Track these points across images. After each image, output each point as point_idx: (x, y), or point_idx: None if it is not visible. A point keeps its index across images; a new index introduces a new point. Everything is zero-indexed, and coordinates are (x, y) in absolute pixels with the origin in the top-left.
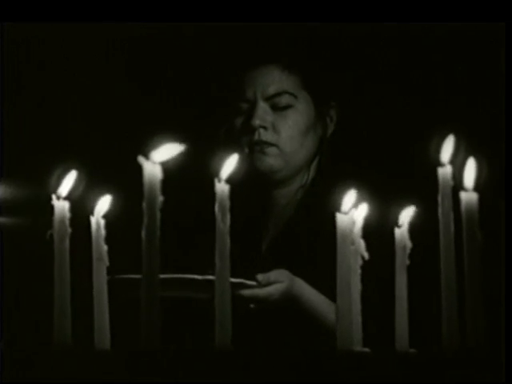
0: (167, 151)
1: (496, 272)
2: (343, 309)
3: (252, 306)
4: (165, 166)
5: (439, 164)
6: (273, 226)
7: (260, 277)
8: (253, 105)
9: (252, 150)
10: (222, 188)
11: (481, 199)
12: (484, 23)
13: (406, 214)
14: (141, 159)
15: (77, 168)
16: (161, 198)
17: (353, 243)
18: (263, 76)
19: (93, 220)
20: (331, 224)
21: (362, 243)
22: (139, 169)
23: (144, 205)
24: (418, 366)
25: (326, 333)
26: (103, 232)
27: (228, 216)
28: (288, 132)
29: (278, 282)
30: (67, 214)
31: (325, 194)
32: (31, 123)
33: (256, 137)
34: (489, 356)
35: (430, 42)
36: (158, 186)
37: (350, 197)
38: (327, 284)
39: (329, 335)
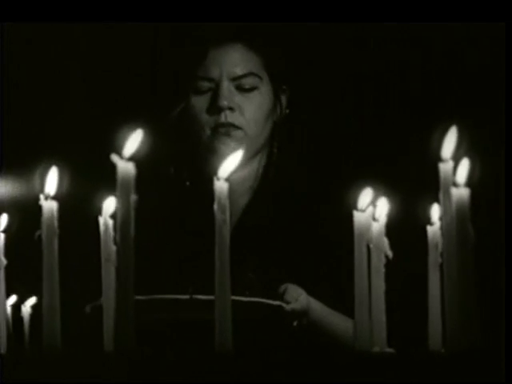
0: (131, 143)
1: (494, 270)
2: (361, 309)
3: (295, 323)
4: (137, 160)
5: (440, 159)
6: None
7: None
8: (217, 84)
9: (216, 132)
10: (220, 185)
11: (474, 195)
12: (484, 23)
13: (435, 210)
14: (114, 157)
15: (75, 167)
16: (134, 197)
17: (370, 242)
18: (230, 55)
19: (101, 220)
20: (288, 212)
21: (385, 241)
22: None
23: (117, 203)
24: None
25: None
26: (111, 232)
27: (228, 215)
28: (253, 115)
29: (300, 295)
30: (55, 214)
31: (277, 182)
32: (31, 123)
33: (222, 119)
34: (489, 356)
35: (429, 42)
36: (131, 183)
37: (366, 194)
38: (289, 272)
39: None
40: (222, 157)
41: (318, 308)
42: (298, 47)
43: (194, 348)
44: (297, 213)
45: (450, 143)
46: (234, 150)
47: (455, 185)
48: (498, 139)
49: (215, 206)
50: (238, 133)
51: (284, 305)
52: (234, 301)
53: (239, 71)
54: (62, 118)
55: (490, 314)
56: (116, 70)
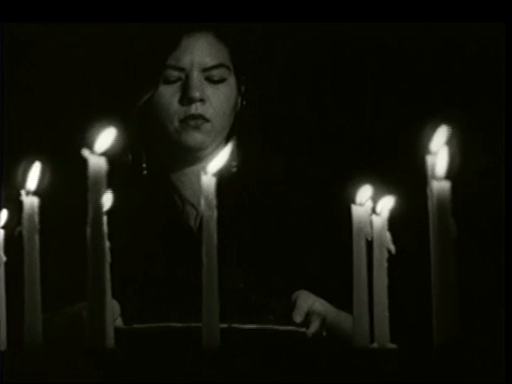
0: (104, 139)
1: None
2: (360, 304)
3: (324, 334)
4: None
5: (428, 152)
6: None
7: (298, 318)
8: (187, 75)
9: (185, 124)
10: (208, 180)
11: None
12: (484, 23)
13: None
14: (85, 152)
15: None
16: (106, 192)
17: (368, 236)
18: (201, 44)
19: None
20: (254, 205)
21: (388, 236)
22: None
23: (88, 198)
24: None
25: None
26: (106, 229)
27: (215, 211)
28: (221, 107)
29: (313, 303)
30: (36, 210)
31: (240, 174)
32: (31, 123)
33: (193, 110)
34: (489, 356)
35: (429, 42)
36: (103, 178)
37: (365, 188)
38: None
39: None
40: (186, 150)
41: (330, 312)
42: (257, 36)
43: (181, 347)
44: (264, 205)
45: (439, 137)
46: (200, 142)
47: (435, 178)
48: (497, 139)
49: (202, 202)
50: (207, 125)
51: (306, 330)
52: (259, 329)
53: (210, 62)
54: (62, 118)
55: (490, 314)
56: (88, 60)
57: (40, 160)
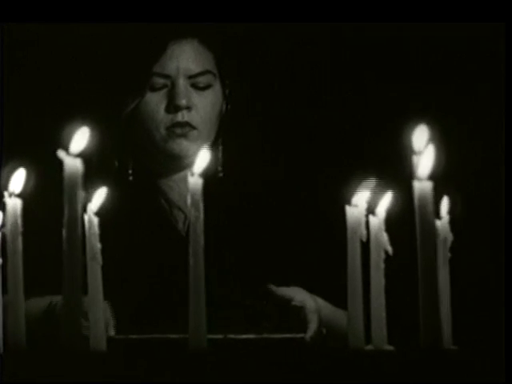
0: (78, 140)
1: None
2: (354, 305)
3: (323, 330)
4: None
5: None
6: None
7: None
8: (172, 82)
9: (171, 132)
10: (195, 182)
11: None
12: (484, 23)
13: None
14: (60, 153)
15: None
16: (82, 193)
17: (363, 237)
18: (186, 51)
19: (85, 218)
20: (242, 210)
21: (385, 236)
22: None
23: (64, 200)
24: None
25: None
26: (97, 230)
27: (202, 211)
28: (207, 114)
29: (305, 301)
30: (19, 212)
31: (226, 179)
32: (30, 122)
33: (179, 118)
34: (489, 356)
35: (429, 41)
36: (79, 180)
37: (363, 192)
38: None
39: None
40: (173, 157)
41: (324, 309)
42: (242, 40)
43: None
44: (249, 211)
45: (421, 136)
46: (187, 150)
47: (417, 178)
48: (497, 139)
49: (188, 202)
50: (193, 133)
51: (304, 336)
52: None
53: (196, 69)
54: (61, 118)
55: (490, 314)
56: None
57: (31, 162)
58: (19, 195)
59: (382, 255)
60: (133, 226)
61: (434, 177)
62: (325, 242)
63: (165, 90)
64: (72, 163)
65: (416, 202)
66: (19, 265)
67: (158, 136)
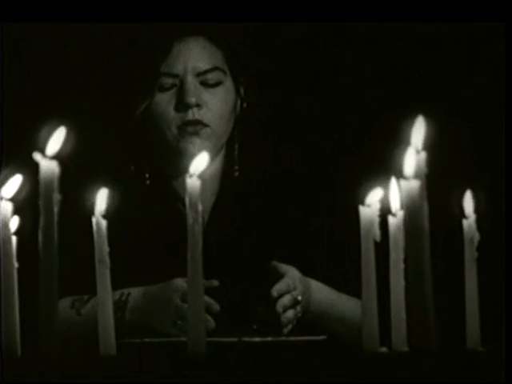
0: (54, 141)
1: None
2: (369, 306)
3: (299, 315)
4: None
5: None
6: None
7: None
8: (181, 81)
9: (183, 131)
10: (193, 183)
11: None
12: (484, 23)
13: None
14: (36, 155)
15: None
16: (58, 197)
17: (376, 237)
18: (193, 49)
19: (93, 220)
20: (256, 211)
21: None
22: None
23: (40, 204)
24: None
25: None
26: (105, 233)
27: (200, 214)
28: (219, 111)
29: (288, 269)
30: (10, 216)
31: (242, 179)
32: (30, 122)
33: (190, 116)
34: (489, 356)
35: (429, 41)
36: (55, 183)
37: (375, 190)
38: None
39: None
40: (187, 156)
41: (322, 298)
42: (254, 38)
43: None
44: (266, 211)
45: (419, 133)
46: (200, 148)
47: (404, 177)
48: (497, 139)
49: (187, 204)
50: (206, 130)
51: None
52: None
53: (204, 66)
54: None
55: (490, 314)
56: (82, 69)
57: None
58: (11, 199)
59: (401, 256)
60: (149, 230)
61: (440, 173)
62: (341, 243)
63: (174, 90)
64: (48, 166)
65: (404, 201)
66: (13, 268)
67: (170, 135)
